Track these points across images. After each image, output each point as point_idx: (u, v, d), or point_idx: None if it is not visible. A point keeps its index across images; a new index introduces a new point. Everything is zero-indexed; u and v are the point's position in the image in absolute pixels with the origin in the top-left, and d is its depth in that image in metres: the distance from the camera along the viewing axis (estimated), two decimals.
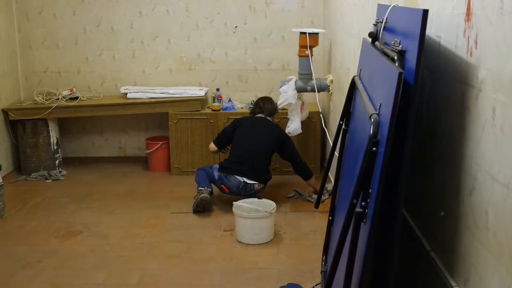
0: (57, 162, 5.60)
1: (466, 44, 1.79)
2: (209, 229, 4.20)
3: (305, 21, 5.67)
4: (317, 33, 4.88)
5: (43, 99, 5.50)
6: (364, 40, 2.80)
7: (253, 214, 3.95)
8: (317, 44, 4.90)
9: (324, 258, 3.04)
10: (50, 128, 5.50)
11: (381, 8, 2.55)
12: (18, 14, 5.75)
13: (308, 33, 4.78)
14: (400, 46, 1.99)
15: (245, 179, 4.43)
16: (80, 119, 5.88)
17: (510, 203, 1.47)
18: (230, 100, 5.65)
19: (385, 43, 2.31)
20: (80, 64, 5.84)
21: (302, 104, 4.99)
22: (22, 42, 5.80)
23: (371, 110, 1.88)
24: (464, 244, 1.80)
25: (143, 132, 5.96)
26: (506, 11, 1.49)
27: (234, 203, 4.09)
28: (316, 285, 3.24)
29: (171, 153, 5.48)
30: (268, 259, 3.71)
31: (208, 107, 5.60)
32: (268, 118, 4.83)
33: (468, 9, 1.77)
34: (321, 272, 3.07)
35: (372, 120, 1.73)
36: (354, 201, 1.71)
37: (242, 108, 5.51)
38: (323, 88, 4.93)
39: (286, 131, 4.88)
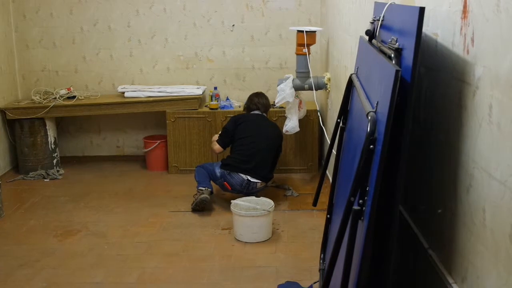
0: (55, 161, 5.59)
1: (463, 42, 1.79)
2: (207, 227, 4.20)
3: (302, 19, 5.67)
4: (315, 31, 4.88)
5: (40, 98, 5.49)
6: (361, 38, 2.80)
7: (251, 212, 3.96)
8: (314, 42, 4.90)
9: (322, 256, 3.05)
10: (47, 127, 5.49)
11: (378, 6, 2.55)
12: (15, 13, 5.73)
13: (306, 31, 4.78)
14: (397, 43, 1.99)
15: (249, 177, 4.43)
16: (77, 118, 5.87)
17: (507, 200, 1.48)
18: (227, 99, 5.65)
19: (382, 41, 2.31)
20: (78, 63, 5.83)
21: (300, 102, 4.99)
22: (19, 41, 5.80)
23: (368, 108, 1.88)
24: (462, 241, 1.81)
25: (141, 131, 5.96)
26: (503, 8, 1.49)
27: (232, 201, 4.10)
28: (314, 283, 3.25)
29: (169, 152, 5.48)
30: (266, 257, 3.71)
31: (205, 106, 5.59)
32: (264, 114, 4.84)
33: (465, 6, 1.77)
34: (319, 270, 3.08)
35: (369, 118, 1.74)
36: (352, 199, 1.72)
37: (239, 106, 5.51)
38: (320, 86, 4.93)
39: (284, 129, 4.89)
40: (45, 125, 5.46)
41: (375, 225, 1.68)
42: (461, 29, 1.80)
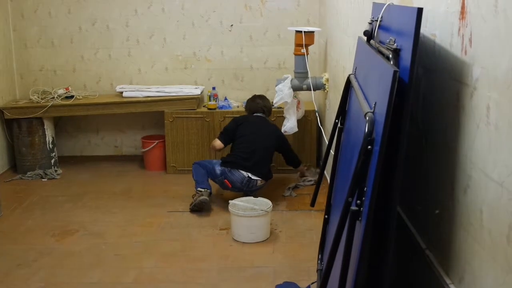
0: (52, 161, 5.58)
1: (461, 42, 1.79)
2: (205, 227, 4.20)
3: (300, 20, 5.67)
4: (313, 32, 4.88)
5: (38, 97, 5.48)
6: (359, 38, 2.80)
7: (249, 212, 3.95)
8: (312, 43, 4.91)
9: (320, 257, 3.05)
10: (45, 127, 5.49)
11: (376, 6, 2.55)
12: (13, 13, 5.73)
13: (304, 31, 4.78)
14: (395, 44, 1.99)
15: (250, 175, 4.45)
16: (75, 118, 5.86)
17: (505, 201, 1.48)
18: (226, 99, 5.65)
19: (380, 42, 2.32)
20: (76, 63, 5.82)
21: (298, 102, 4.99)
22: (17, 40, 5.79)
23: (366, 108, 1.88)
24: (459, 242, 1.81)
25: (139, 130, 5.95)
26: (500, 9, 1.49)
27: (230, 201, 4.09)
28: (312, 283, 3.25)
29: (167, 152, 5.48)
30: (264, 258, 3.71)
31: (204, 106, 5.59)
32: (266, 117, 4.87)
33: (463, 7, 1.77)
34: (317, 270, 3.08)
35: (367, 118, 1.74)
36: (349, 199, 1.72)
37: (238, 106, 5.51)
38: (318, 86, 4.93)
39: (282, 129, 4.89)
40: (43, 124, 5.46)
41: (372, 225, 1.68)
42: (459, 30, 1.81)
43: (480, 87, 1.65)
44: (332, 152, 3.03)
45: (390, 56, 1.96)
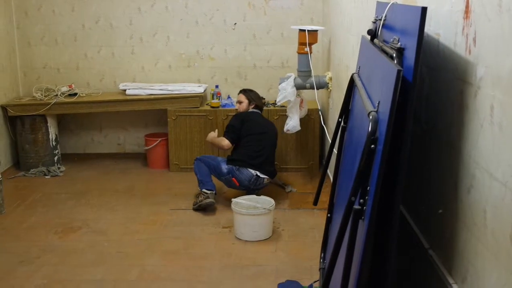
0: (56, 158, 5.59)
1: (465, 42, 1.79)
2: (207, 225, 4.20)
3: (304, 18, 5.67)
4: (316, 30, 4.87)
5: (42, 95, 5.49)
6: (363, 37, 2.80)
7: (252, 211, 3.96)
8: (316, 41, 4.90)
9: (322, 255, 3.05)
10: (49, 124, 5.50)
11: (380, 5, 2.54)
12: (17, 11, 5.73)
13: (307, 30, 4.77)
14: (399, 43, 1.99)
15: (258, 173, 4.46)
16: (79, 116, 5.87)
17: (508, 201, 1.48)
18: (229, 97, 5.65)
19: (384, 41, 2.31)
20: (79, 61, 5.83)
21: (301, 101, 4.98)
22: (21, 38, 5.80)
23: (369, 107, 1.88)
24: (462, 242, 1.81)
25: (142, 128, 5.96)
26: (505, 8, 1.49)
27: (233, 200, 4.09)
28: (315, 282, 3.25)
29: (170, 150, 5.48)
30: (267, 256, 3.71)
31: (207, 104, 5.59)
32: (260, 112, 4.90)
33: (467, 6, 1.77)
34: (320, 269, 3.08)
35: (371, 117, 1.74)
36: (353, 198, 1.72)
37: None
38: (322, 85, 4.93)
39: (285, 128, 4.89)
40: (46, 122, 5.47)
41: (375, 224, 1.68)
42: (463, 29, 1.80)
43: (484, 86, 1.64)
44: (335, 151, 3.03)
45: (394, 55, 1.95)
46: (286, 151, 5.35)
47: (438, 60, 2.06)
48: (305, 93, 5.10)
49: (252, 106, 4.84)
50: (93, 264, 3.61)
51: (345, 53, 4.26)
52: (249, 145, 4.57)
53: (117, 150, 6.05)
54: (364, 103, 2.01)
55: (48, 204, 4.66)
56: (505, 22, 1.49)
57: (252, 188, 4.47)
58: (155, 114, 5.81)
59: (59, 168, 5.53)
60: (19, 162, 5.56)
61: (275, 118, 5.22)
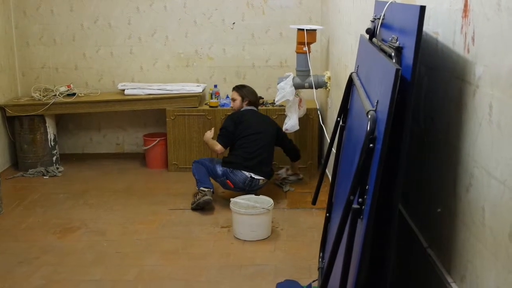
0: (54, 158, 5.59)
1: (464, 41, 1.79)
2: (206, 225, 4.20)
3: (303, 18, 5.67)
4: (315, 30, 4.87)
5: (40, 95, 5.49)
6: (361, 36, 2.80)
7: (251, 210, 3.95)
8: (314, 41, 4.90)
9: (321, 255, 3.04)
10: (47, 125, 5.49)
11: (379, 4, 2.54)
12: (15, 10, 5.73)
13: (306, 29, 4.77)
14: (398, 42, 1.99)
15: (252, 175, 4.44)
16: (77, 116, 5.87)
17: (507, 200, 1.48)
18: (227, 97, 5.64)
19: (383, 40, 2.31)
20: (78, 60, 5.82)
21: (300, 101, 4.99)
22: (19, 38, 5.79)
23: (368, 106, 1.88)
24: (461, 241, 1.81)
25: (140, 128, 5.95)
26: (503, 7, 1.49)
27: (231, 199, 4.09)
28: (313, 281, 3.24)
29: (168, 150, 5.48)
30: (265, 256, 3.71)
31: (205, 104, 5.59)
32: (256, 109, 4.86)
33: (466, 5, 1.77)
34: (318, 268, 3.08)
35: (369, 116, 1.73)
36: (351, 197, 1.71)
37: None
38: (320, 84, 4.93)
39: (284, 128, 4.88)
40: (44, 122, 5.46)
41: (374, 223, 1.68)
42: (462, 28, 1.80)
43: (482, 85, 1.64)
44: (333, 150, 3.03)
45: (393, 54, 1.95)
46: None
47: (436, 59, 2.06)
48: (304, 92, 5.10)
49: (246, 102, 4.81)
50: (92, 264, 3.61)
51: (343, 53, 4.26)
52: (243, 147, 4.55)
53: (115, 150, 6.05)
54: (363, 102, 2.01)
55: (47, 204, 4.65)
56: (504, 21, 1.49)
57: (247, 190, 4.45)
58: (153, 114, 5.81)
59: (57, 168, 5.52)
60: (17, 162, 5.55)
61: (274, 117, 5.21)
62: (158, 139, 5.57)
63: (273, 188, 4.86)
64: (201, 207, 4.42)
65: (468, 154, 1.75)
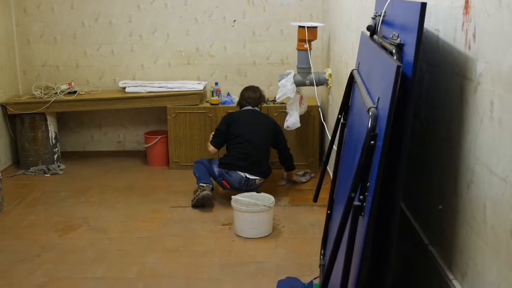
0: (55, 156, 5.59)
1: (465, 37, 1.79)
2: (207, 223, 4.20)
3: (303, 15, 5.66)
4: (316, 27, 4.86)
5: (41, 93, 5.49)
6: (362, 33, 2.79)
7: (252, 208, 3.96)
8: (315, 38, 4.89)
9: (322, 252, 3.05)
10: (48, 123, 5.49)
11: (380, 1, 2.54)
12: (16, 8, 5.73)
13: (307, 27, 4.76)
14: (399, 39, 1.98)
15: (247, 175, 4.43)
16: (78, 113, 5.87)
17: (508, 196, 1.48)
18: (228, 94, 5.64)
19: (384, 37, 2.31)
20: (79, 58, 5.82)
21: (301, 98, 4.98)
22: (20, 36, 5.79)
23: (369, 103, 1.88)
24: (462, 237, 1.81)
25: (141, 126, 5.95)
26: (504, 4, 1.49)
27: (232, 197, 4.10)
28: (315, 278, 3.25)
29: (169, 147, 5.48)
30: (267, 253, 3.72)
31: (206, 101, 5.59)
32: (256, 109, 4.84)
33: (467, 2, 1.76)
34: (320, 265, 3.08)
35: (370, 113, 1.73)
36: (352, 194, 1.71)
37: None
38: (321, 82, 4.92)
39: (285, 125, 4.88)
40: (46, 120, 5.46)
41: (375, 221, 1.68)
42: (463, 24, 1.80)
43: (483, 82, 1.64)
44: (335, 147, 3.03)
45: (394, 51, 1.95)
46: None
47: (437, 56, 2.06)
48: (305, 89, 5.10)
49: (243, 107, 4.83)
50: (93, 262, 3.61)
51: (344, 50, 4.25)
52: (237, 147, 4.53)
53: (117, 148, 6.05)
54: (364, 99, 2.01)
55: (48, 202, 4.66)
56: (505, 18, 1.49)
57: (244, 189, 4.42)
58: (154, 112, 5.81)
59: (59, 166, 5.52)
60: (18, 160, 5.56)
61: (275, 115, 5.21)
62: (159, 136, 5.57)
63: (274, 185, 4.86)
64: (201, 203, 4.42)
65: (469, 151, 1.75)
